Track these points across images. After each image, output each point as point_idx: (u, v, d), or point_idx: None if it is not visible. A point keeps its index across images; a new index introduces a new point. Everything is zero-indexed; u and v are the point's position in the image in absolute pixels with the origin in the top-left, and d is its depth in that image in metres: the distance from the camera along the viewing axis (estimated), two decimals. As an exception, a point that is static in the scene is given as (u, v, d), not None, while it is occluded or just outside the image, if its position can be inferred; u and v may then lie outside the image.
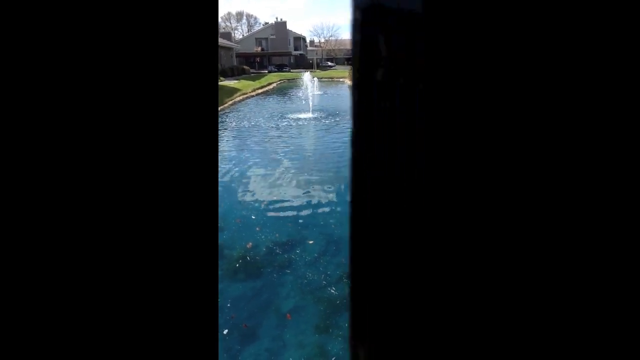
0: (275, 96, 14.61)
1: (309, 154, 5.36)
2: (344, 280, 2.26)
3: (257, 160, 5.08)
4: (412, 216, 0.21)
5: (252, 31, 44.71)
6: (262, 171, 4.53)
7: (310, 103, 10.14)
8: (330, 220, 3.08)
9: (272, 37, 38.22)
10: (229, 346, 1.74)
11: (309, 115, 8.90)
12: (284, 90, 17.15)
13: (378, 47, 0.20)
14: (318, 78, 20.58)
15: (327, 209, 3.33)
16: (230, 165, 4.80)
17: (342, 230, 2.90)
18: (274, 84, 20.81)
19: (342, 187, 3.90)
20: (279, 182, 4.13)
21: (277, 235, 2.82)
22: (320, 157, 5.19)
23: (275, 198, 3.62)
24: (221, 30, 37.72)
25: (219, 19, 51.19)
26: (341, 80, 23.65)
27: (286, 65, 36.49)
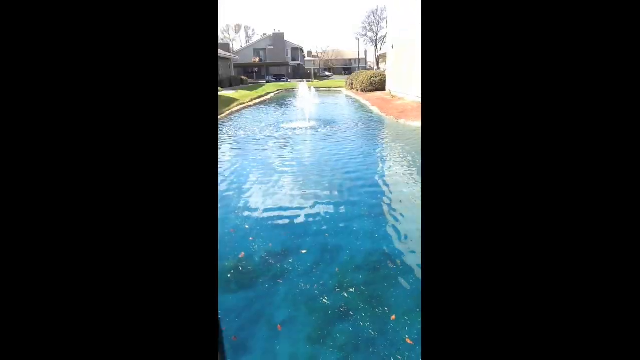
0: (272, 106, 14.68)
1: (305, 163, 5.36)
2: (337, 290, 2.23)
3: (251, 169, 5.07)
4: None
5: (250, 42, 45.21)
6: (256, 180, 4.51)
7: (307, 112, 10.20)
8: (324, 228, 3.06)
9: (269, 47, 38.64)
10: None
11: (306, 124, 8.93)
12: (281, 100, 17.26)
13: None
14: (316, 88, 20.71)
15: (321, 219, 3.31)
16: (224, 175, 4.79)
17: (337, 239, 2.87)
18: (272, 94, 20.96)
19: (337, 196, 3.88)
20: (273, 191, 4.11)
21: (270, 244, 2.79)
22: (315, 166, 5.18)
23: (269, 207, 3.60)
24: (220, 41, 38.12)
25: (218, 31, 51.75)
26: (338, 90, 23.84)
27: (284, 76, 36.84)
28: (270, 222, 3.23)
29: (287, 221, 3.25)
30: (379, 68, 36.13)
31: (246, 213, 3.43)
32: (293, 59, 42.04)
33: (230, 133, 8.12)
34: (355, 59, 52.33)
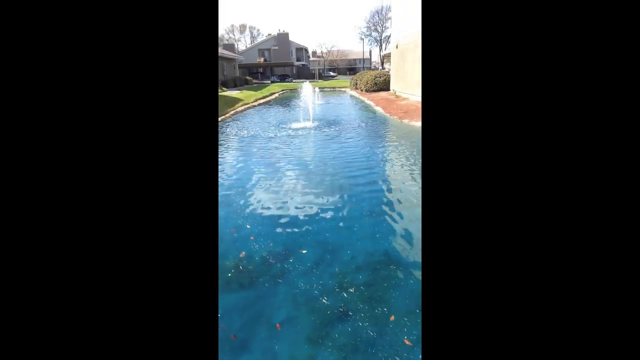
0: (277, 106, 14.71)
1: (307, 164, 5.36)
2: (336, 289, 2.23)
3: (254, 169, 5.08)
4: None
5: (255, 42, 45.31)
6: (258, 180, 4.53)
7: (311, 112, 10.20)
8: (326, 228, 3.06)
9: (274, 48, 38.70)
10: (220, 358, 1.70)
11: (310, 124, 8.94)
12: (285, 101, 17.28)
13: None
14: (320, 88, 20.70)
15: (322, 218, 3.31)
16: (227, 174, 4.81)
17: (337, 239, 2.87)
18: (276, 94, 20.99)
19: (338, 196, 3.88)
20: (275, 191, 4.12)
21: (271, 244, 2.80)
22: (318, 166, 5.18)
23: (271, 207, 3.61)
24: (224, 42, 38.26)
25: (223, 31, 52.00)
26: (343, 90, 23.80)
27: (288, 76, 36.87)
28: (272, 221, 3.24)
29: (291, 214, 3.26)
30: (383, 68, 36.04)
31: (248, 213, 3.45)
32: (298, 59, 42.08)
33: (234, 133, 8.15)
34: (359, 59, 52.25)
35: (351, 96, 18.77)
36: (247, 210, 3.52)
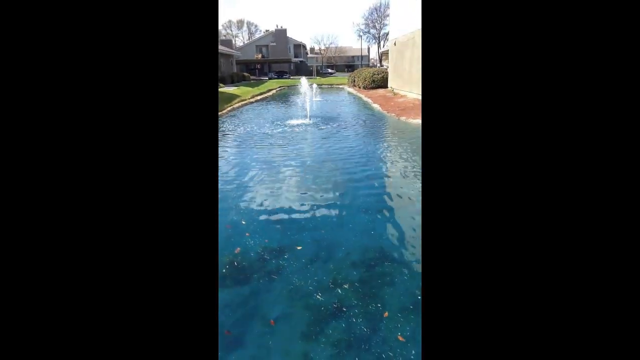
0: (274, 102, 14.66)
1: (303, 160, 5.35)
2: (331, 285, 2.23)
3: (250, 165, 5.07)
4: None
5: (253, 38, 45.06)
6: (254, 176, 4.52)
7: (308, 109, 10.17)
8: (321, 224, 3.06)
9: (272, 44, 38.53)
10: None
11: (307, 121, 8.92)
12: (283, 97, 17.23)
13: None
14: (318, 85, 20.65)
15: (318, 215, 3.31)
16: (222, 170, 4.79)
17: (333, 236, 2.88)
18: (274, 91, 20.91)
19: (334, 193, 3.88)
20: (270, 187, 4.11)
21: (266, 240, 2.80)
22: (314, 163, 5.18)
23: (266, 204, 3.61)
24: (222, 37, 38.01)
25: (220, 27, 51.63)
26: (341, 87, 23.76)
27: (286, 72, 36.73)
28: (266, 216, 3.24)
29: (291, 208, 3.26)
30: (382, 65, 36.01)
31: (243, 209, 3.44)
32: (295, 56, 41.91)
33: (230, 129, 8.12)
34: (358, 56, 52.13)
35: (349, 93, 18.74)
36: (243, 207, 3.51)
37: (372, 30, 45.83)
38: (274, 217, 3.27)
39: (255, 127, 8.27)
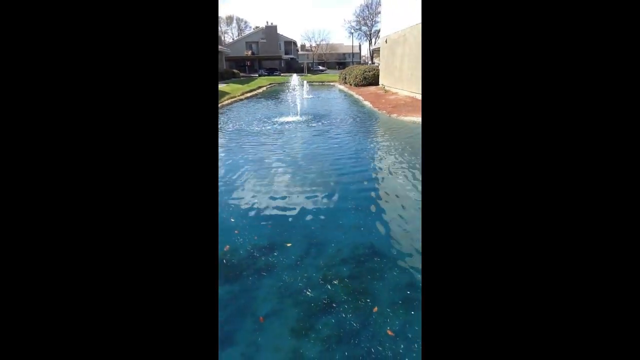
0: (264, 100, 14.57)
1: (293, 158, 5.34)
2: (320, 281, 2.23)
3: (239, 162, 5.03)
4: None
5: (243, 35, 44.62)
6: (243, 174, 4.49)
7: (299, 107, 10.14)
8: (311, 222, 3.06)
9: (262, 40, 38.22)
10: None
11: (297, 118, 8.89)
12: (273, 94, 17.13)
13: None
14: (309, 82, 20.59)
15: (308, 212, 3.31)
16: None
17: (323, 233, 2.88)
18: (264, 88, 20.78)
19: (324, 190, 3.88)
20: (260, 184, 4.09)
21: (255, 237, 2.78)
22: (304, 160, 5.17)
23: (255, 201, 3.59)
24: (211, 33, 37.35)
25: (210, 23, 50.78)
26: (332, 84, 23.74)
27: (277, 69, 36.52)
28: (257, 213, 3.22)
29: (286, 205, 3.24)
30: (373, 62, 36.06)
31: (232, 206, 3.42)
32: (286, 53, 41.68)
33: (219, 126, 8.04)
34: (349, 54, 52.11)
35: (340, 90, 18.73)
36: (232, 204, 3.48)
37: (364, 28, 45.87)
38: (263, 214, 3.25)
39: (244, 125, 8.20)
